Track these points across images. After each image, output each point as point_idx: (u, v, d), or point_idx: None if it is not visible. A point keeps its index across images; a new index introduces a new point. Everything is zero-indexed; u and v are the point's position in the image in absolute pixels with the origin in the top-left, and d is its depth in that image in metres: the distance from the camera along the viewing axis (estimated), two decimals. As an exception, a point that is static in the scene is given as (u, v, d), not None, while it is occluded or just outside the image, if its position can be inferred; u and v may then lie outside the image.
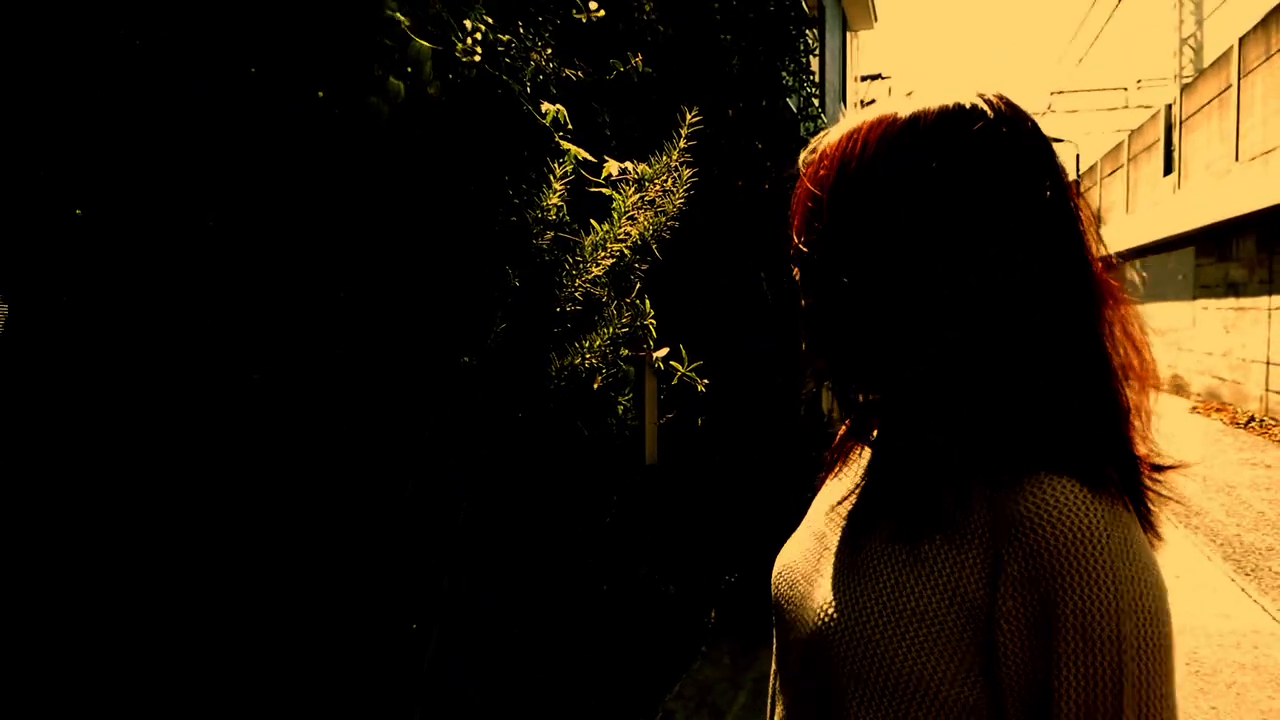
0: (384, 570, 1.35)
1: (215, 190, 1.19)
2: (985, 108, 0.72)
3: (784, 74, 5.13)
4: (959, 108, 0.72)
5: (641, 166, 1.45)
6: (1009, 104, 0.74)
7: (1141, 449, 0.72)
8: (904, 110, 0.74)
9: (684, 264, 2.94)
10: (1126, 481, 0.68)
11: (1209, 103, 14.49)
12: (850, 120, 0.80)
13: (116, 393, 1.12)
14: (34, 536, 1.06)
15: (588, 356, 1.27)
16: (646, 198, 1.43)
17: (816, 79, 11.88)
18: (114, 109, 1.10)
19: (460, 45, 1.22)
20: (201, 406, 1.17)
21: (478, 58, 1.22)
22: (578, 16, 1.51)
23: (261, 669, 1.21)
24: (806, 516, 0.94)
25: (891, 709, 0.68)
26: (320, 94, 1.22)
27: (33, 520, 1.06)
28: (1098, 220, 0.75)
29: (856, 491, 0.81)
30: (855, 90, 18.19)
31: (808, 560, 0.83)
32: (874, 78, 22.20)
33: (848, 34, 16.02)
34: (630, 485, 3.45)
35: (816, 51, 6.78)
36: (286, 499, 1.22)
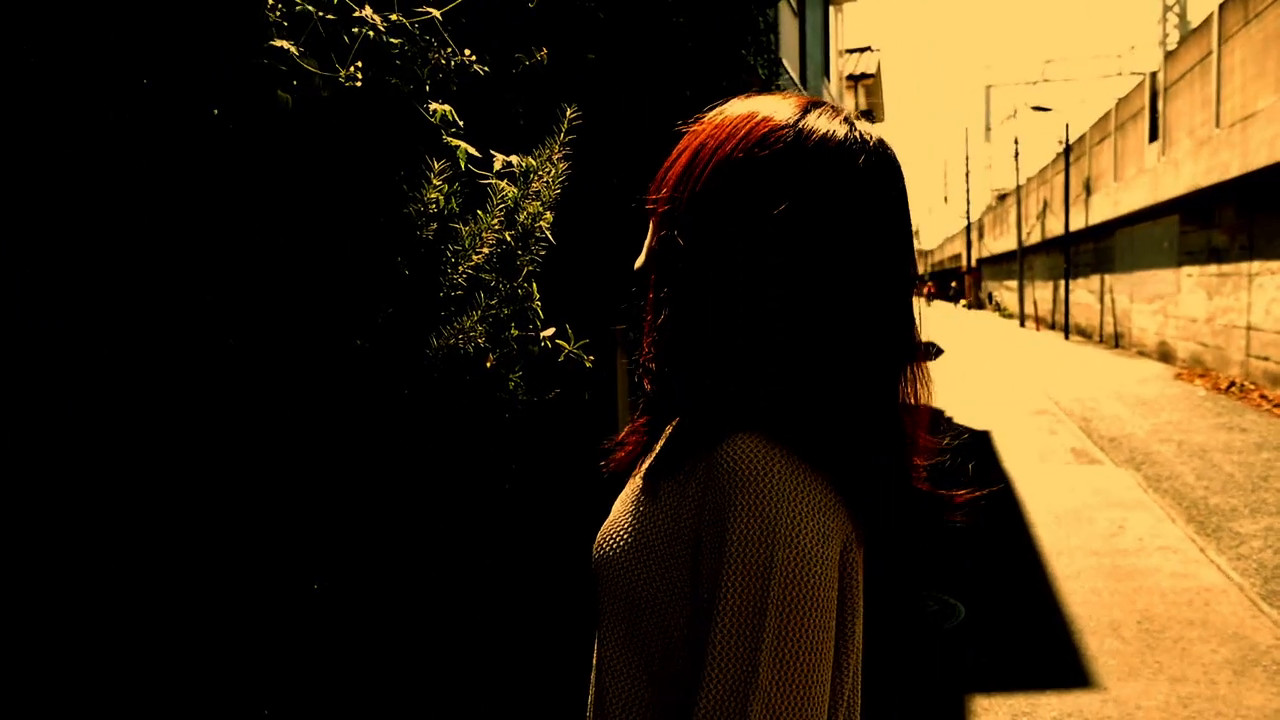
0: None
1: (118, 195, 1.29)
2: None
3: (744, 53, 5.20)
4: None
5: (528, 159, 1.55)
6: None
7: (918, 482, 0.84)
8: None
9: (619, 248, 3.03)
10: (844, 471, 0.77)
11: (1191, 69, 14.49)
12: (715, 112, 0.89)
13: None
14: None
15: (471, 336, 1.39)
16: (533, 189, 1.54)
17: (797, 55, 11.87)
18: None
19: (344, 72, 1.33)
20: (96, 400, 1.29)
21: (359, 83, 1.33)
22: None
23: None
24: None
25: (631, 623, 0.81)
26: (215, 111, 1.33)
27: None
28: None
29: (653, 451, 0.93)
30: (840, 63, 18.13)
31: (616, 505, 0.96)
32: (862, 50, 22.14)
33: (830, 7, 15.97)
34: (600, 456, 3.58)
35: (777, 30, 6.81)
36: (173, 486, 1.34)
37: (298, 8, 1.40)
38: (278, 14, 1.39)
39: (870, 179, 0.82)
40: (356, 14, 1.45)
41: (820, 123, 0.83)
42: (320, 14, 1.36)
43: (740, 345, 0.80)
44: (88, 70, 1.22)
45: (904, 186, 0.87)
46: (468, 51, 1.65)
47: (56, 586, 1.24)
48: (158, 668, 1.32)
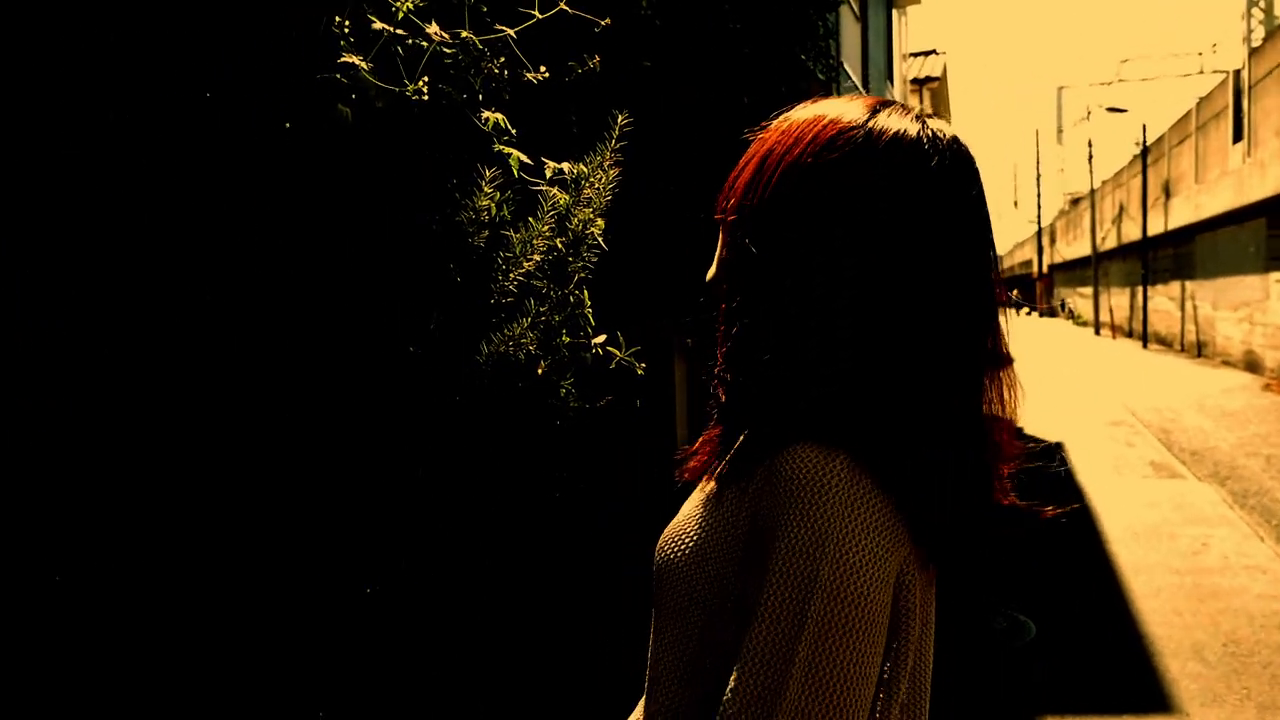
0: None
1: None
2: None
3: (804, 58, 5.14)
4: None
5: (579, 166, 1.55)
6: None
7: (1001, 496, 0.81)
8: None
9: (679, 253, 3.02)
10: (903, 476, 0.73)
11: (1278, 66, 13.83)
12: (786, 116, 0.87)
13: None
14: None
15: (522, 343, 1.39)
16: (584, 195, 1.53)
17: (859, 59, 11.71)
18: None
19: (412, 87, 1.34)
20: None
21: (425, 97, 1.34)
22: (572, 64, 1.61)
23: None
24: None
25: (684, 625, 0.80)
26: (287, 125, 1.36)
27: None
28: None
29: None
30: (904, 67, 17.82)
31: (682, 510, 0.95)
32: (927, 53, 21.74)
33: (894, 10, 15.72)
34: (664, 463, 3.56)
35: (838, 35, 6.72)
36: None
37: (374, 26, 1.42)
38: (345, 29, 1.41)
39: (945, 178, 0.79)
40: (428, 29, 1.47)
41: (891, 122, 0.80)
42: (390, 30, 1.38)
43: (812, 349, 0.78)
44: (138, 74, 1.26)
45: (981, 185, 0.84)
46: (526, 73, 1.66)
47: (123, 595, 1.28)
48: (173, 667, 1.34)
